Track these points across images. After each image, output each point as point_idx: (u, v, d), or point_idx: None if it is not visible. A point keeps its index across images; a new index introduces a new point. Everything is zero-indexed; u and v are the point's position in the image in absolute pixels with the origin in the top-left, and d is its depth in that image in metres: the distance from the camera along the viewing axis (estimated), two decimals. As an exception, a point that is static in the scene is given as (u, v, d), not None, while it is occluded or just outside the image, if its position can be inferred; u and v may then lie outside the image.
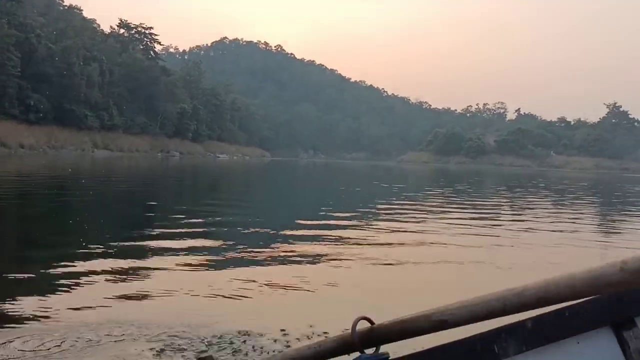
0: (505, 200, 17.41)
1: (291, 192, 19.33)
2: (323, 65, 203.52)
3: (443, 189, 22.37)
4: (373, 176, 35.59)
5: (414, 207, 12.10)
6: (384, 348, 1.10)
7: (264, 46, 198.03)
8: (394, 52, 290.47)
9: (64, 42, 56.53)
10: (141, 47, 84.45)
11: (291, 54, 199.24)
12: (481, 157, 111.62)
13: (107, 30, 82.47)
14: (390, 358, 1.08)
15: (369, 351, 1.10)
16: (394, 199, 15.20)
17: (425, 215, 10.25)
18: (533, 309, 0.88)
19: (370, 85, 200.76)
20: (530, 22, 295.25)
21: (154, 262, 5.00)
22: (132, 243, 6.12)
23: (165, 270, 4.69)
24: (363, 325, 1.10)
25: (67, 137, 52.72)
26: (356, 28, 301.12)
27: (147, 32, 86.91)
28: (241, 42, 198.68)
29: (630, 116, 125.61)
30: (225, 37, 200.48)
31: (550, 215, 12.08)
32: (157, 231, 7.13)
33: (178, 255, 5.36)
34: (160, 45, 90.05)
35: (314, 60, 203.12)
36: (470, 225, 9.23)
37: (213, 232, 7.32)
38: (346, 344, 1.09)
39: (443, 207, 12.55)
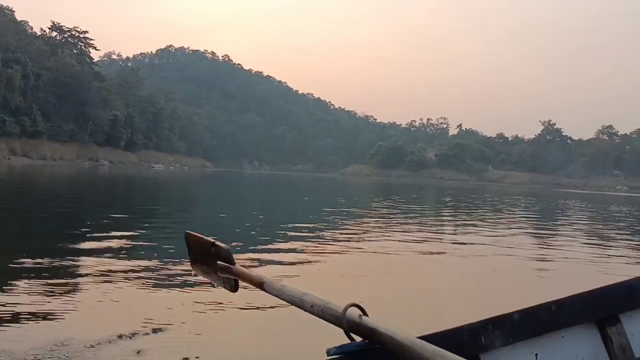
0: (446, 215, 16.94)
1: (218, 206, 17.38)
2: (271, 76, 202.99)
3: (380, 202, 21.79)
4: (311, 190, 34.86)
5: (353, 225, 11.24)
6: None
7: (210, 55, 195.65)
8: (342, 66, 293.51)
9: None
10: (75, 51, 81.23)
11: (238, 64, 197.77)
12: (422, 170, 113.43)
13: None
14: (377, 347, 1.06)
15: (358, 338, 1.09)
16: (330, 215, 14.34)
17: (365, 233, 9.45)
18: None
19: (318, 97, 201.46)
20: (473, 41, 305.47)
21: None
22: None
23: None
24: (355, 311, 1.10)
25: (-21, 143, 49.42)
26: (305, 41, 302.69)
27: (81, 36, 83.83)
28: (187, 50, 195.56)
29: (563, 133, 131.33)
30: (171, 45, 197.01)
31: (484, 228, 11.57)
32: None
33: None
34: (97, 50, 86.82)
35: (261, 72, 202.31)
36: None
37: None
38: (337, 323, 1.09)
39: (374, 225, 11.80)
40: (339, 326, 1.08)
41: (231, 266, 1.39)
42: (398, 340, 0.98)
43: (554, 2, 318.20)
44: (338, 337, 1.11)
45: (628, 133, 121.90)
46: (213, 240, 1.47)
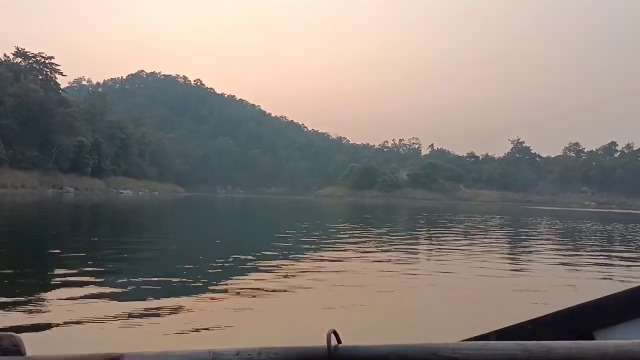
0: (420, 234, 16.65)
1: (171, 233, 16.58)
2: (243, 99, 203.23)
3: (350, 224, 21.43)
4: (277, 213, 34.38)
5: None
6: None
7: (182, 80, 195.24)
8: (315, 88, 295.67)
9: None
10: (40, 77, 79.92)
11: (211, 88, 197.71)
12: (395, 191, 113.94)
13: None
14: None
15: None
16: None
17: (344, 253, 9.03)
18: None
19: (291, 120, 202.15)
20: (445, 62, 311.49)
21: None
22: None
23: None
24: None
25: None
26: (277, 64, 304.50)
27: (46, 61, 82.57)
28: (159, 75, 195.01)
29: (532, 151, 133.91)
30: (142, 71, 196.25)
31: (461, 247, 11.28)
32: None
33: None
34: (63, 75, 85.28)
35: (234, 95, 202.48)
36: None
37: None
38: (318, 357, 1.02)
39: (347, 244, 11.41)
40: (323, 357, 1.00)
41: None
42: (389, 352, 0.95)
43: (524, 26, 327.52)
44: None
45: (594, 150, 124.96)
46: None
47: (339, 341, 1.04)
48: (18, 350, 1.03)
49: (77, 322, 4.14)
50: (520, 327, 1.33)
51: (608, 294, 1.40)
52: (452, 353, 0.93)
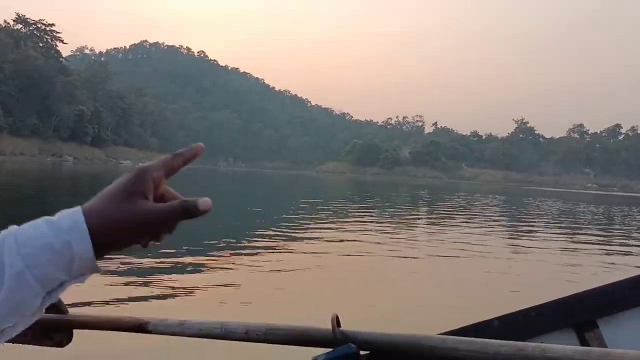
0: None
1: None
2: (247, 72, 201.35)
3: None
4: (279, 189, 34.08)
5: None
6: None
7: (186, 51, 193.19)
8: (320, 63, 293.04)
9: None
10: (40, 44, 78.98)
11: (214, 60, 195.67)
12: (396, 168, 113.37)
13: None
14: (358, 352, 1.03)
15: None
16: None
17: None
18: None
19: (295, 95, 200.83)
20: (450, 40, 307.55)
21: None
22: None
23: None
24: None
25: None
26: (282, 39, 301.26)
27: (47, 29, 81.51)
28: (162, 46, 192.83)
29: (535, 132, 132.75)
30: (146, 41, 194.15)
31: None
32: None
33: None
34: (64, 43, 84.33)
35: (238, 68, 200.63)
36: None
37: None
38: (324, 340, 1.03)
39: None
40: (321, 344, 1.01)
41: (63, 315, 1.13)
42: (390, 341, 0.95)
43: (529, 5, 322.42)
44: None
45: (598, 132, 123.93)
46: None
47: (339, 325, 1.06)
48: (60, 309, 1.10)
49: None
50: (523, 313, 1.32)
51: (609, 282, 1.40)
52: (450, 349, 0.91)
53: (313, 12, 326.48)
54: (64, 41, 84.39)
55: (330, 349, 1.02)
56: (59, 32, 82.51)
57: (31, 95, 64.22)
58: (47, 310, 0.88)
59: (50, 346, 1.12)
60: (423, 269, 6.63)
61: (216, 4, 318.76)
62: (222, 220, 10.15)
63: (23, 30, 79.33)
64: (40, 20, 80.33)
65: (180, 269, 5.58)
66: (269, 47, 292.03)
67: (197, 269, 5.59)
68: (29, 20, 79.72)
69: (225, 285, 5.02)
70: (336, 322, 1.04)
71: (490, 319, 1.26)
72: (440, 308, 4.69)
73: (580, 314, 1.35)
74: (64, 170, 42.48)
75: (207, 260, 6.08)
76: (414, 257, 7.24)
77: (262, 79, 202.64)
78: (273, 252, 6.96)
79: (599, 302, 1.37)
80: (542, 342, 1.21)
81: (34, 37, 79.39)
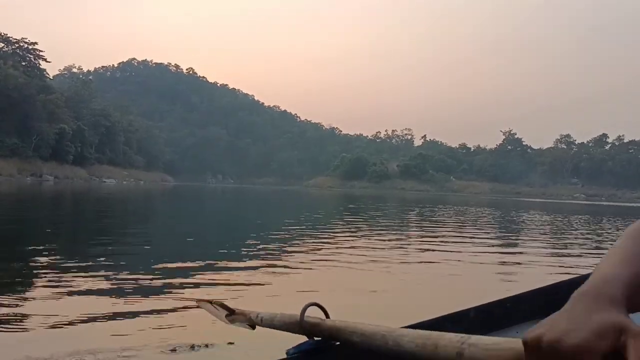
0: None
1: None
2: (237, 89, 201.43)
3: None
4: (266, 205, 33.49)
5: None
6: None
7: (174, 68, 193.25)
8: (310, 79, 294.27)
9: None
10: (23, 63, 78.51)
11: (203, 77, 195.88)
12: (384, 182, 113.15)
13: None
14: (335, 344, 1.03)
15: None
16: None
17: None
18: None
19: (284, 110, 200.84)
20: (438, 53, 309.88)
21: None
22: None
23: None
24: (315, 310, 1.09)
25: None
26: (272, 55, 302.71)
27: (30, 47, 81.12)
28: (150, 63, 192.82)
29: (523, 143, 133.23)
30: (134, 59, 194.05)
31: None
32: None
33: None
34: (47, 62, 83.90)
35: (227, 84, 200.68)
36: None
37: None
38: (295, 328, 1.07)
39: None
40: (297, 331, 1.03)
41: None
42: (364, 333, 0.92)
43: (518, 16, 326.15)
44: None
45: (585, 142, 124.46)
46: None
47: (327, 316, 1.06)
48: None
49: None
50: (499, 303, 1.32)
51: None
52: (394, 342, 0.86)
53: (299, 27, 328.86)
54: (48, 60, 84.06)
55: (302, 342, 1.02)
56: (41, 51, 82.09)
57: (11, 115, 63.53)
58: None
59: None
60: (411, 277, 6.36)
61: (206, 22, 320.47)
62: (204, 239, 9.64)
63: (5, 49, 78.90)
64: (22, 38, 79.98)
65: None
66: (259, 64, 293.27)
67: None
68: (11, 39, 79.32)
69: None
70: (323, 313, 1.06)
71: (467, 309, 1.25)
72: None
73: (556, 303, 1.19)
74: (44, 189, 41.71)
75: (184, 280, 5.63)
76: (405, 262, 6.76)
77: (252, 95, 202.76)
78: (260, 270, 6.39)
79: (573, 291, 1.19)
80: (517, 332, 1.26)
81: (16, 55, 78.92)
